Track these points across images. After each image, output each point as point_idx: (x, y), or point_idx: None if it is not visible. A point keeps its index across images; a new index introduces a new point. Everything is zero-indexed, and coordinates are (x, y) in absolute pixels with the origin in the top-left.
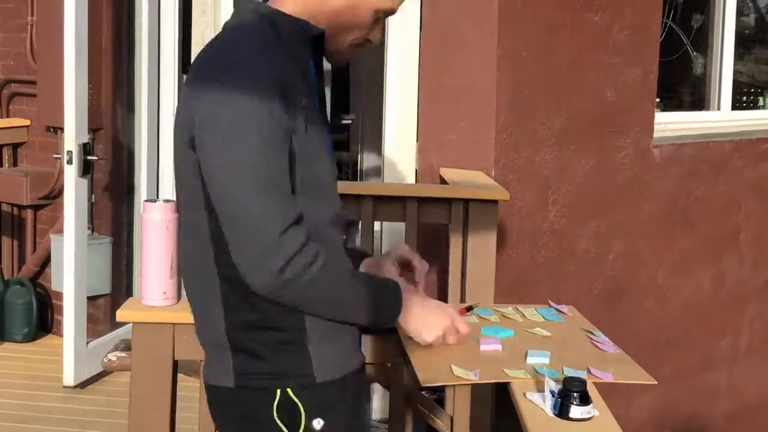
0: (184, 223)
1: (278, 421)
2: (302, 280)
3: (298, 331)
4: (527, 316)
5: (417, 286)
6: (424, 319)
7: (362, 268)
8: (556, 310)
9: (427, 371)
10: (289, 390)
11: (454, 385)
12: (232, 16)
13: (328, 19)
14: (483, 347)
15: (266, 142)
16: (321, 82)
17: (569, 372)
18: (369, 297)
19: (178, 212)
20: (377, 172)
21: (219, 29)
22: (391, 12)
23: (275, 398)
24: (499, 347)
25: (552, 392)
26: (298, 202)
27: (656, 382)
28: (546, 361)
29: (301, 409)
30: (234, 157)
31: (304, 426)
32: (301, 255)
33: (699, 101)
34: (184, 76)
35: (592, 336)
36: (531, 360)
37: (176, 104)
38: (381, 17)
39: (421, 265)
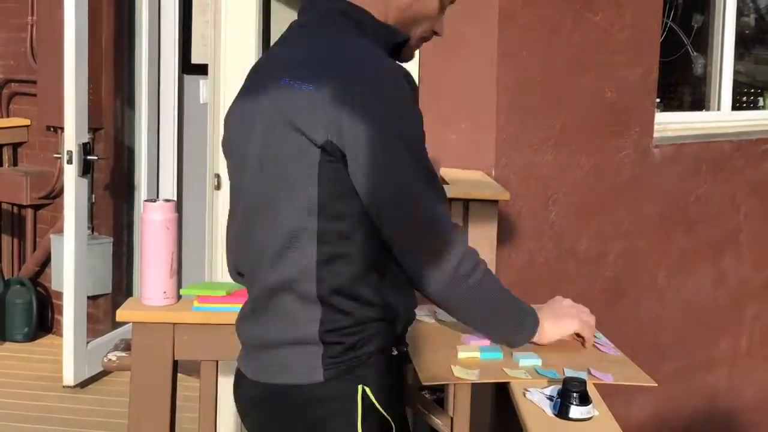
0: (283, 224)
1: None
2: (473, 280)
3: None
4: None
5: None
6: (560, 328)
7: None
8: None
9: (428, 370)
10: (367, 389)
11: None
12: (305, 12)
13: (397, 14)
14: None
15: (422, 140)
16: None
17: (570, 373)
18: (515, 313)
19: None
20: None
21: (219, 29)
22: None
23: (357, 398)
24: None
25: (551, 396)
26: None
27: (656, 385)
28: (538, 362)
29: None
30: (406, 155)
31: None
32: (470, 254)
33: (699, 101)
34: (185, 76)
35: (595, 338)
36: (523, 363)
37: (176, 103)
38: (445, 5)
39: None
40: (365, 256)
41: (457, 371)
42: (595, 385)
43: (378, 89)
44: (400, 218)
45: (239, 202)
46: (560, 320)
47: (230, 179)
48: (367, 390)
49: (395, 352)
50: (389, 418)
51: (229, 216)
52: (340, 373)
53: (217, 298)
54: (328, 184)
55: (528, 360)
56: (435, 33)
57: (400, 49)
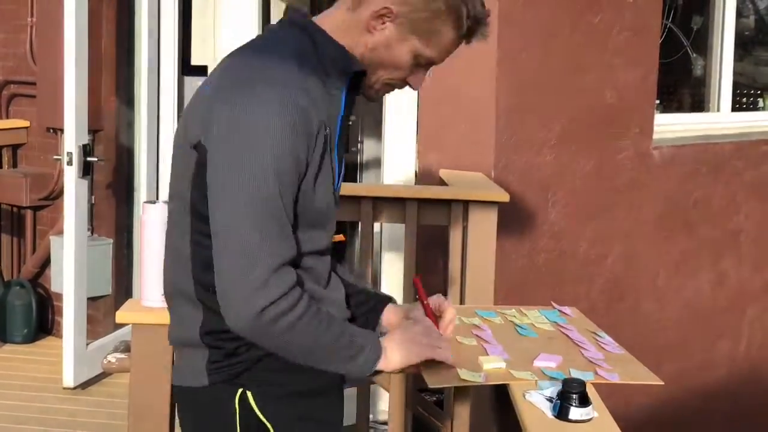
0: (170, 216)
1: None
2: (280, 325)
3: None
4: (530, 317)
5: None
6: (407, 356)
7: (385, 314)
8: (559, 311)
9: (435, 374)
10: (249, 394)
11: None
12: (278, 21)
13: (363, 51)
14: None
15: (280, 170)
16: (348, 114)
17: (576, 374)
18: (345, 348)
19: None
20: (377, 173)
21: (219, 30)
22: (432, 62)
23: (239, 401)
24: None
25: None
26: (295, 234)
27: (663, 383)
28: (553, 365)
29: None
30: (244, 179)
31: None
32: (286, 298)
33: (699, 103)
34: (185, 78)
35: (597, 337)
36: (486, 366)
37: (176, 104)
38: (422, 63)
39: (450, 316)
40: None
41: (464, 374)
42: (596, 385)
43: (248, 116)
44: (217, 237)
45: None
46: (406, 347)
47: None
48: (248, 394)
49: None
50: (269, 425)
51: None
52: (225, 378)
53: None
54: (200, 185)
55: (493, 364)
56: (408, 84)
57: (360, 79)
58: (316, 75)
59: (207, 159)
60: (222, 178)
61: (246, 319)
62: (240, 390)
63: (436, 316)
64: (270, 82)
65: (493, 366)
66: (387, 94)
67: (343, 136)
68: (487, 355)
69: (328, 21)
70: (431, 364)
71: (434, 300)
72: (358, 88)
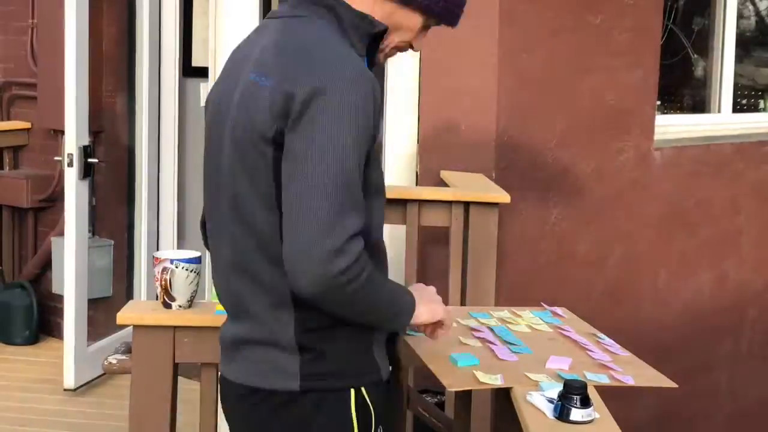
0: (241, 223)
1: (355, 422)
2: (354, 286)
3: (366, 329)
4: (524, 318)
5: None
6: (431, 305)
7: None
8: (551, 312)
9: (450, 376)
10: (363, 389)
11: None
12: (288, 4)
13: (381, 17)
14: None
15: (359, 142)
16: None
17: (591, 376)
18: (393, 303)
19: (210, 215)
20: None
21: (219, 31)
22: (439, 22)
23: (350, 399)
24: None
25: (552, 399)
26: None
27: (676, 386)
28: (476, 362)
29: (372, 409)
30: (322, 150)
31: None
32: (357, 264)
33: (700, 104)
34: (185, 79)
35: (598, 339)
36: (462, 363)
37: (177, 105)
38: (430, 25)
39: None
40: None
41: (482, 377)
42: (596, 387)
43: (333, 86)
44: (292, 214)
45: (215, 187)
46: (430, 305)
47: (206, 161)
48: (363, 391)
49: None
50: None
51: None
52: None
53: None
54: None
55: (466, 360)
56: (411, 47)
57: (379, 42)
58: (347, 43)
59: (285, 141)
60: (303, 150)
61: (320, 283)
62: (353, 391)
63: None
64: (344, 59)
65: (487, 379)
66: (390, 58)
67: None
68: (496, 356)
69: None
70: (444, 366)
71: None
72: (373, 53)
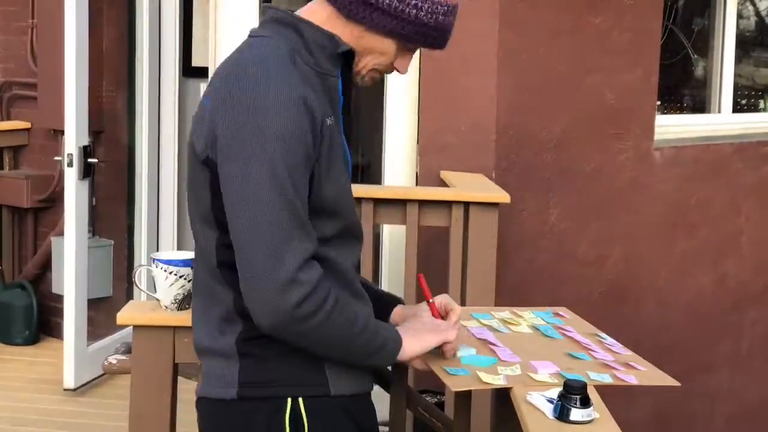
0: (195, 234)
1: None
2: (316, 318)
3: None
4: (525, 318)
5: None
6: (419, 336)
7: (393, 315)
8: (553, 312)
9: (454, 377)
10: (301, 401)
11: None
12: (259, 24)
13: (350, 40)
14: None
15: (292, 166)
16: (348, 99)
17: (594, 376)
18: (371, 340)
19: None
20: (378, 174)
21: (219, 31)
22: (417, 46)
23: (285, 408)
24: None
25: (551, 399)
26: (312, 223)
27: (679, 384)
28: (473, 352)
29: (305, 424)
30: (256, 181)
31: None
32: (316, 292)
33: (700, 104)
34: (186, 79)
35: (600, 338)
36: (461, 353)
37: (176, 106)
38: (410, 48)
39: (457, 314)
40: None
41: (484, 377)
42: (596, 387)
43: (254, 116)
44: (238, 243)
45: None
46: (421, 335)
47: None
48: (299, 402)
49: None
50: None
51: None
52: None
53: None
54: (219, 196)
55: (465, 350)
56: (396, 70)
57: (349, 60)
58: (309, 66)
59: (218, 169)
60: (234, 184)
61: (278, 319)
62: (289, 400)
63: (441, 316)
64: (268, 82)
65: (509, 372)
66: (375, 80)
67: (345, 122)
68: (498, 358)
69: (310, 13)
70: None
71: (439, 299)
72: (350, 71)
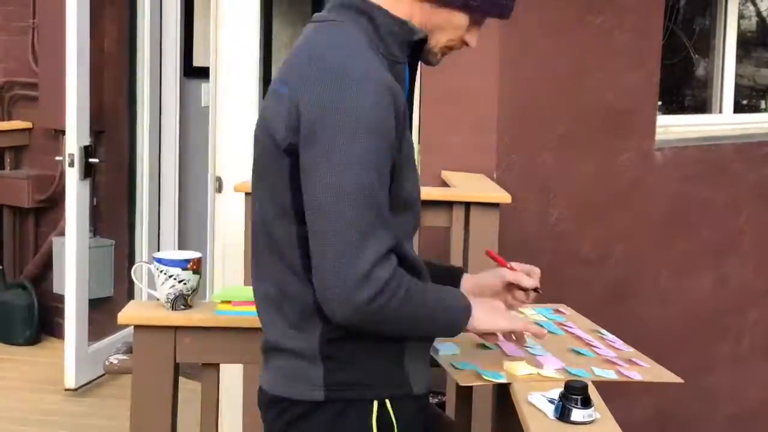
0: (270, 233)
1: None
2: (388, 311)
3: (396, 341)
4: (526, 314)
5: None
6: (493, 313)
7: (464, 284)
8: (553, 309)
9: (462, 372)
10: (387, 402)
11: (456, 388)
12: (326, 8)
13: (422, 18)
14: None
15: (378, 155)
16: (412, 89)
17: (598, 372)
18: (443, 312)
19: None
20: None
21: (221, 31)
22: (486, 15)
23: (372, 410)
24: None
25: (552, 399)
26: (393, 218)
27: (682, 381)
28: (456, 351)
29: (395, 424)
30: (340, 169)
31: None
32: (389, 287)
33: (701, 104)
34: (187, 79)
35: (601, 335)
36: (442, 352)
37: (178, 105)
38: (479, 20)
39: (536, 275)
40: None
41: (490, 373)
42: (597, 387)
43: (341, 97)
44: (318, 229)
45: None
46: (493, 314)
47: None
48: (387, 403)
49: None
50: None
51: None
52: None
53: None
54: (299, 188)
55: (447, 349)
56: (465, 43)
57: (421, 48)
58: (381, 53)
59: (300, 155)
60: (317, 171)
61: (350, 314)
62: (375, 403)
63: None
64: (353, 67)
65: (525, 372)
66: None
67: (410, 110)
68: (503, 353)
69: None
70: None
71: (516, 265)
72: (417, 58)
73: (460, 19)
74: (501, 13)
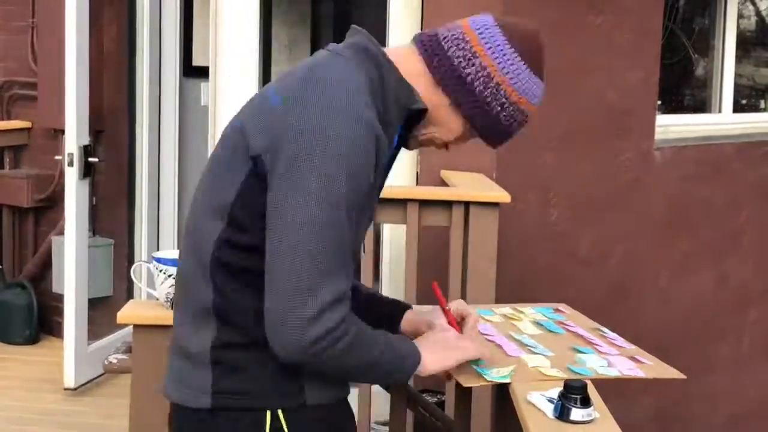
0: (195, 223)
1: None
2: (331, 353)
3: None
4: (526, 314)
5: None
6: (442, 351)
7: (404, 322)
8: (553, 308)
9: (465, 373)
10: (280, 413)
11: (456, 387)
12: (345, 43)
13: (428, 103)
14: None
15: (354, 200)
16: (396, 153)
17: (602, 370)
18: (390, 361)
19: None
20: None
21: (220, 31)
22: (479, 135)
23: (266, 421)
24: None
25: (552, 399)
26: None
27: (685, 377)
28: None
29: None
30: (314, 207)
31: None
32: (338, 329)
33: (700, 104)
34: (186, 79)
35: (602, 333)
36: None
37: (177, 105)
38: (472, 135)
39: (473, 320)
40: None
41: (494, 373)
42: (597, 386)
43: (332, 130)
44: (271, 273)
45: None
46: (442, 352)
47: None
48: (279, 414)
49: None
50: None
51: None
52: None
53: None
54: (246, 195)
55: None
56: (444, 146)
57: (412, 124)
58: (378, 103)
59: (269, 176)
60: (289, 202)
61: (295, 351)
62: (268, 413)
63: (457, 324)
64: (350, 104)
65: (537, 365)
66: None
67: (387, 170)
68: (504, 353)
69: (399, 59)
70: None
71: (455, 305)
72: (410, 130)
73: (458, 126)
74: (492, 142)
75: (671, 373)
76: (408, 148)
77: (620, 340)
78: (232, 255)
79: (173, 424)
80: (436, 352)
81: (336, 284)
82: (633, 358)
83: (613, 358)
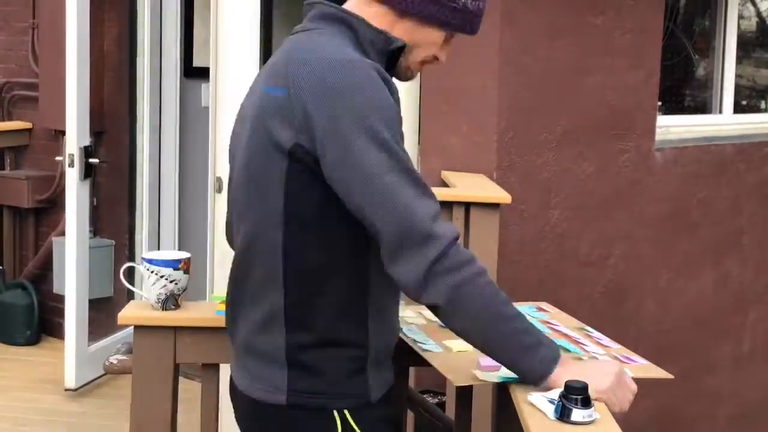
0: (248, 231)
1: None
2: (457, 276)
3: (361, 348)
4: None
5: None
6: (595, 368)
7: None
8: (536, 307)
9: (455, 372)
10: (346, 412)
11: (456, 388)
12: (307, 19)
13: (400, 35)
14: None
15: (399, 139)
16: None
17: None
18: (523, 332)
19: (234, 219)
20: None
21: (220, 32)
22: (459, 32)
23: (336, 422)
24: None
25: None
26: None
27: (672, 377)
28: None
29: None
30: (375, 147)
31: None
32: (457, 247)
33: (701, 104)
34: (187, 80)
35: (587, 332)
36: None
37: (178, 106)
38: (452, 36)
39: None
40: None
41: (482, 376)
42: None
43: (343, 86)
44: (375, 214)
45: (230, 196)
46: (590, 374)
47: (230, 174)
48: (346, 413)
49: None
50: None
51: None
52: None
53: None
54: (295, 185)
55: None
56: (436, 59)
57: (397, 59)
58: (365, 58)
59: (319, 152)
60: (349, 159)
61: (420, 273)
62: (341, 411)
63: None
64: (346, 54)
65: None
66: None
67: None
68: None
69: (358, 10)
70: (448, 363)
71: None
72: (391, 69)
73: (437, 36)
74: (472, 30)
75: (658, 372)
76: (407, 79)
77: (606, 340)
78: (301, 259)
79: (241, 414)
80: (600, 377)
81: (429, 203)
82: (619, 358)
83: (601, 358)
